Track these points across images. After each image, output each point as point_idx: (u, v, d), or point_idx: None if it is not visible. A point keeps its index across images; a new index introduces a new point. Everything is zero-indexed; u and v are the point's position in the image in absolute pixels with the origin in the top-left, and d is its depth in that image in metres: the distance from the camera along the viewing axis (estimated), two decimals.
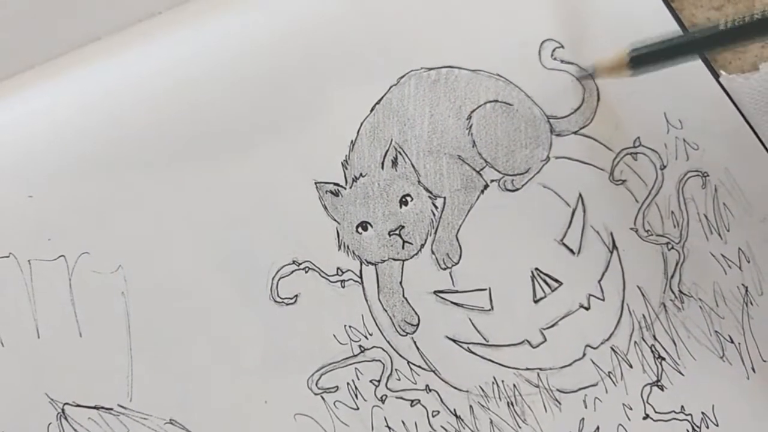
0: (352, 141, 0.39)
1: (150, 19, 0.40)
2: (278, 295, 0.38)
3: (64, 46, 0.40)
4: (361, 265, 0.38)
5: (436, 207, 0.39)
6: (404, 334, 0.38)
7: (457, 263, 0.39)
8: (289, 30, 0.39)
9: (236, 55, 0.39)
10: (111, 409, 0.37)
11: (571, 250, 0.39)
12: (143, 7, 0.41)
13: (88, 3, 0.41)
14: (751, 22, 0.33)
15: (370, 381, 0.38)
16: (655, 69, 0.36)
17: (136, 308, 0.37)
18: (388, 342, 0.38)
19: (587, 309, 0.39)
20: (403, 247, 0.39)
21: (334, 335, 0.38)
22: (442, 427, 0.38)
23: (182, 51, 0.39)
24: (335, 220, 0.38)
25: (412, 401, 0.38)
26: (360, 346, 0.38)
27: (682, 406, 0.38)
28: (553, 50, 0.40)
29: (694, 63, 0.40)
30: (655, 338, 0.39)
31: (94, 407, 0.37)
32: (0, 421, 0.36)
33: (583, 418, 0.38)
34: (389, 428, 0.37)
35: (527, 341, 0.38)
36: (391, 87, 0.39)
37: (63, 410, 0.36)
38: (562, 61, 0.40)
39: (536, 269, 0.39)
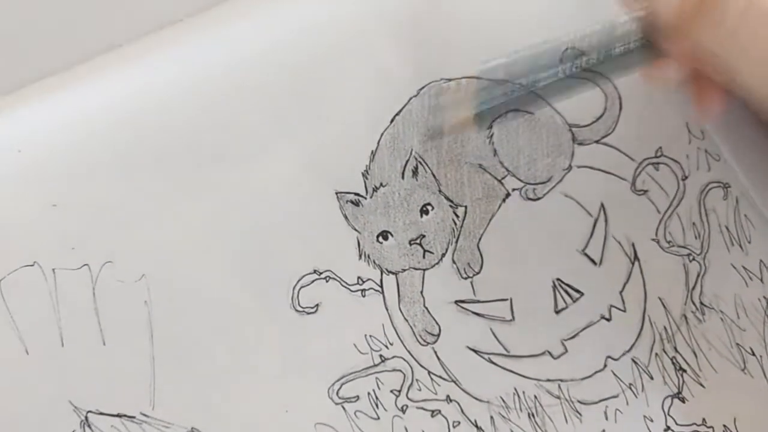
0: (372, 151, 0.39)
1: (172, 26, 0.41)
2: (299, 305, 0.38)
3: (85, 53, 0.40)
4: (381, 274, 0.38)
5: (458, 216, 0.39)
6: (425, 343, 0.38)
7: (478, 273, 0.39)
8: (310, 39, 0.39)
9: (257, 63, 0.39)
10: (133, 417, 0.37)
11: (593, 261, 0.39)
12: (164, 14, 0.41)
13: (109, 10, 0.41)
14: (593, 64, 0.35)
15: (391, 391, 0.38)
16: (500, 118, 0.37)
17: (158, 317, 0.37)
18: (409, 352, 0.38)
19: (608, 320, 0.39)
20: (423, 257, 0.39)
21: (355, 345, 0.38)
22: None
23: (204, 58, 0.39)
24: (356, 229, 0.38)
25: (433, 411, 0.38)
26: (381, 355, 0.38)
27: (704, 419, 0.38)
28: (575, 59, 0.39)
29: None
30: (676, 350, 0.39)
31: (117, 415, 0.37)
32: (24, 428, 0.36)
33: (603, 430, 0.38)
34: None
35: (548, 352, 0.38)
36: (411, 98, 0.39)
37: (86, 418, 0.37)
38: (584, 70, 0.40)
39: (558, 279, 0.39)
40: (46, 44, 0.40)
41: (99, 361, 0.37)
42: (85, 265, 0.37)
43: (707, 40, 0.30)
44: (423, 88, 0.39)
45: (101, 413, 0.37)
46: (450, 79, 0.39)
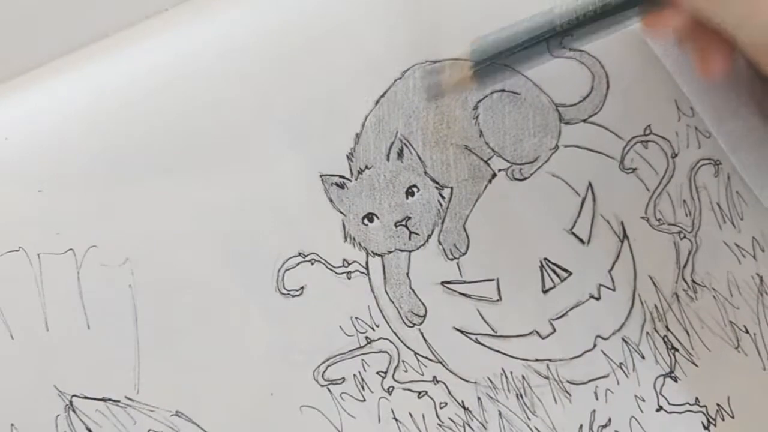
0: (357, 134, 0.39)
1: (157, 15, 0.41)
2: (284, 287, 0.38)
3: (72, 43, 0.40)
4: (367, 256, 0.38)
5: (443, 197, 0.39)
6: (411, 325, 0.38)
7: (464, 253, 0.38)
8: (294, 24, 0.39)
9: (241, 50, 0.39)
10: (118, 401, 0.37)
11: (581, 240, 0.38)
12: (150, 4, 0.41)
13: (96, 1, 0.41)
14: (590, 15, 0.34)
15: (377, 372, 0.37)
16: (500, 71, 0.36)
17: (143, 301, 0.37)
18: (395, 333, 0.38)
19: (597, 299, 0.38)
20: (409, 238, 0.38)
21: (341, 327, 0.38)
22: (449, 419, 0.37)
23: (189, 46, 0.39)
24: (341, 212, 0.38)
25: (420, 393, 0.37)
26: (366, 337, 0.38)
27: (697, 398, 0.37)
28: (561, 38, 0.39)
29: None
30: (668, 329, 0.38)
31: (102, 399, 0.37)
32: (9, 412, 0.36)
33: (594, 410, 0.37)
34: (396, 420, 0.37)
35: (536, 332, 0.38)
36: (395, 80, 0.39)
37: (71, 402, 0.37)
38: (570, 49, 0.39)
39: (545, 259, 0.38)
40: (33, 35, 0.41)
41: (83, 345, 0.37)
42: (69, 249, 0.37)
43: (703, 4, 0.29)
44: (407, 70, 0.39)
45: (86, 397, 0.37)
46: (435, 61, 0.39)
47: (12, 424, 0.36)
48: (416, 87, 0.39)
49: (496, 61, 0.35)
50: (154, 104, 0.39)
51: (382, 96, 0.39)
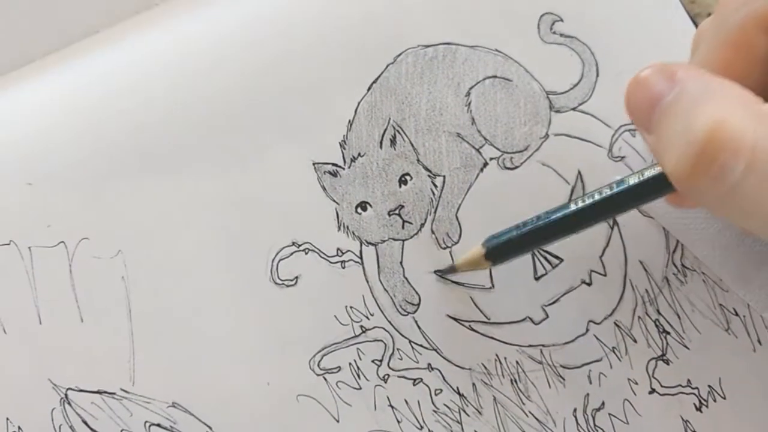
0: (349, 121, 0.39)
1: (147, 11, 0.41)
2: (278, 277, 0.38)
3: (62, 39, 0.40)
4: (361, 245, 0.38)
5: (436, 186, 0.39)
6: (405, 313, 0.38)
7: (457, 242, 0.39)
8: (284, 13, 0.39)
9: (231, 42, 0.39)
10: (114, 393, 0.37)
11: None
12: None
13: None
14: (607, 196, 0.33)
15: (372, 361, 0.38)
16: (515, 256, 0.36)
17: (136, 292, 0.37)
18: (390, 322, 0.38)
19: (589, 285, 0.38)
20: (402, 227, 0.38)
21: (335, 316, 0.38)
22: (445, 405, 0.37)
23: (179, 41, 0.39)
24: (334, 200, 0.38)
25: (415, 380, 0.38)
26: (361, 326, 0.38)
27: (689, 380, 0.38)
28: (552, 24, 0.40)
29: None
30: (659, 312, 0.38)
31: (97, 392, 0.37)
32: (4, 407, 0.36)
33: (588, 394, 0.38)
34: (392, 407, 0.37)
35: (529, 318, 0.38)
36: (387, 65, 0.39)
37: (66, 395, 0.36)
38: (561, 35, 0.40)
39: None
40: (23, 31, 0.41)
41: (77, 338, 0.37)
42: (61, 242, 0.37)
43: (709, 199, 0.28)
44: (400, 55, 0.39)
45: (81, 390, 0.37)
46: (427, 46, 0.39)
47: (7, 418, 0.36)
48: (408, 72, 0.39)
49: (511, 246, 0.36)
50: (145, 97, 0.38)
51: (374, 82, 0.39)
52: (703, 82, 0.28)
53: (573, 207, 0.34)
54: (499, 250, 0.36)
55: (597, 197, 0.34)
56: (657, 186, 0.32)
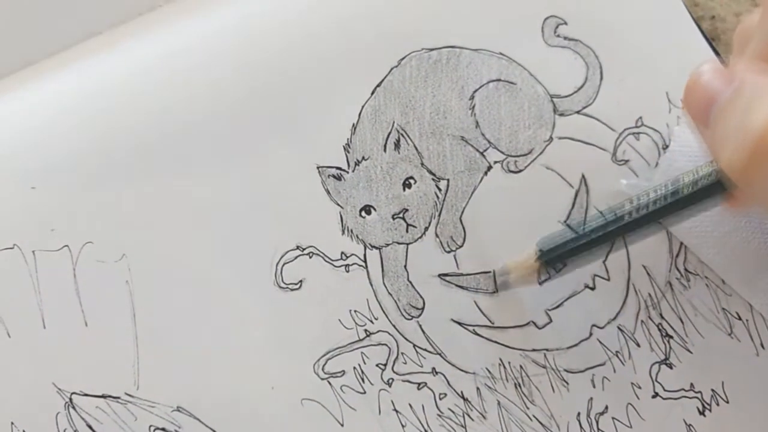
0: (353, 124, 0.39)
1: (150, 12, 0.41)
2: (283, 281, 0.38)
3: (65, 41, 0.40)
4: (365, 249, 0.38)
5: (440, 189, 0.39)
6: (409, 317, 0.38)
7: (461, 246, 0.39)
8: (288, 16, 0.39)
9: (235, 44, 0.39)
10: (118, 397, 0.37)
11: (575, 231, 0.39)
12: (143, 0, 0.41)
13: None
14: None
15: (377, 365, 0.38)
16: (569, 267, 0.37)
17: (140, 297, 0.37)
18: (394, 326, 0.38)
19: (593, 289, 0.39)
20: (407, 231, 0.38)
21: (340, 320, 0.38)
22: (449, 409, 0.38)
23: (182, 43, 0.39)
24: (338, 204, 0.38)
25: (419, 384, 0.38)
26: (365, 330, 0.38)
27: (692, 384, 0.38)
28: (556, 27, 0.40)
29: (697, 42, 0.40)
30: (662, 317, 0.38)
31: (102, 396, 0.37)
32: (8, 411, 0.36)
33: (591, 398, 0.38)
34: (396, 411, 0.37)
35: (533, 322, 0.38)
36: (392, 69, 0.39)
37: (71, 399, 0.36)
38: (565, 38, 0.40)
39: (540, 251, 0.38)
40: (26, 33, 0.40)
41: (82, 342, 0.37)
42: (65, 246, 0.37)
43: (765, 192, 0.28)
44: (404, 58, 0.39)
45: (86, 395, 0.37)
46: (431, 49, 0.39)
47: (12, 423, 0.36)
48: (412, 75, 0.39)
49: (563, 252, 0.36)
50: (149, 100, 0.38)
51: (378, 85, 0.39)
52: (760, 79, 0.29)
53: (628, 216, 0.35)
54: (553, 253, 0.36)
55: (651, 207, 0.34)
56: (712, 190, 0.33)
